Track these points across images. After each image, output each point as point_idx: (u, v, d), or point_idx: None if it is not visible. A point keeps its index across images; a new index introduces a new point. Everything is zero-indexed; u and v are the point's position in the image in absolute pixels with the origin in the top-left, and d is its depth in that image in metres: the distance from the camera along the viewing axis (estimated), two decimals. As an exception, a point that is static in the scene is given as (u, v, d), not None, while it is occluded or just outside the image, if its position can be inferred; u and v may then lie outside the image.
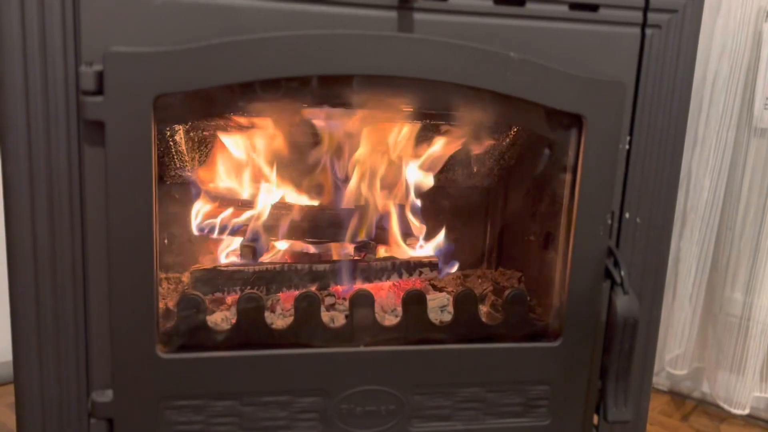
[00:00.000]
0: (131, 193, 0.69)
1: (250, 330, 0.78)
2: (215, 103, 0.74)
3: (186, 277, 1.03)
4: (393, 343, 0.81)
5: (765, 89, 1.19)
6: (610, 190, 0.80)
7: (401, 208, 1.04)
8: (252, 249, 1.02)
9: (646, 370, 0.88)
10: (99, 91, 0.67)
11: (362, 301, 0.83)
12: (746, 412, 1.27)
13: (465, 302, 0.85)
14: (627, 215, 0.83)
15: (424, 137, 1.00)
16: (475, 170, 1.12)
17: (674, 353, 1.38)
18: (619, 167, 0.82)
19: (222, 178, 0.98)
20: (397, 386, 0.80)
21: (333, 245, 1.03)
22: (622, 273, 0.80)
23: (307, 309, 0.80)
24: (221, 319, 0.88)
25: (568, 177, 0.82)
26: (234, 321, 0.80)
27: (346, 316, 0.85)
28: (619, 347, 0.79)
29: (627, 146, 0.82)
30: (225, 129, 0.94)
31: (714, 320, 1.32)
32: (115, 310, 0.72)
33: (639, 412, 0.89)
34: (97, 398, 0.74)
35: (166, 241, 0.90)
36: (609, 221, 0.82)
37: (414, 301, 0.84)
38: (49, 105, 0.68)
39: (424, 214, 1.06)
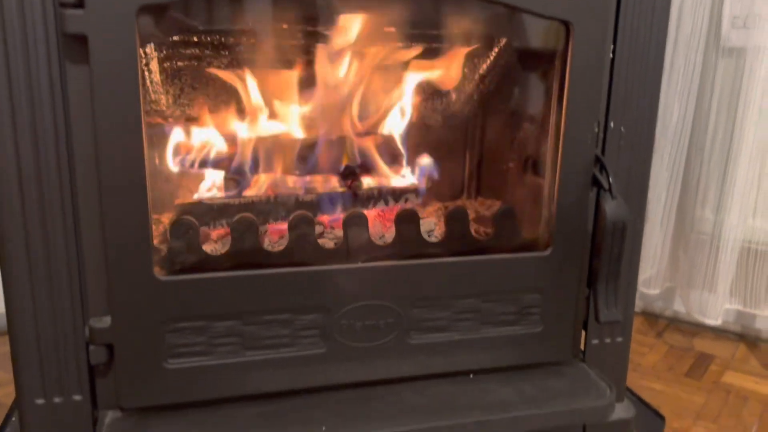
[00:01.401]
0: (120, 110, 0.67)
1: (247, 251, 0.78)
2: (198, 16, 0.72)
3: (166, 218, 1.01)
4: (389, 260, 0.82)
5: (732, 8, 1.21)
6: (597, 98, 0.82)
7: (383, 137, 1.04)
8: (236, 182, 1.01)
9: (632, 277, 0.91)
10: (80, 4, 0.65)
11: (356, 221, 0.83)
12: (719, 322, 1.33)
13: (457, 218, 0.86)
14: (612, 124, 0.85)
15: (406, 62, 0.99)
16: (453, 98, 1.12)
17: (647, 274, 1.43)
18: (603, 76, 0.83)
19: (201, 110, 0.96)
20: (395, 300, 0.81)
21: (318, 176, 1.03)
22: (610, 179, 0.82)
23: (301, 229, 0.80)
24: (210, 251, 0.87)
25: (555, 87, 0.83)
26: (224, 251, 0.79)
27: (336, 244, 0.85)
28: (609, 251, 0.81)
29: (611, 54, 0.83)
30: (203, 56, 0.91)
31: (686, 240, 1.37)
32: (108, 234, 0.70)
33: (625, 317, 0.92)
34: (96, 324, 0.73)
35: (157, 161, 0.88)
36: (596, 130, 0.83)
37: (407, 220, 0.85)
38: (26, 20, 0.65)
39: (404, 144, 1.06)
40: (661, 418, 1.09)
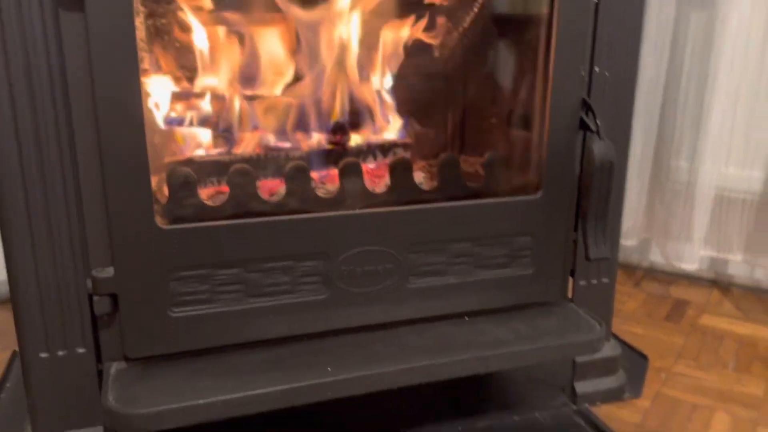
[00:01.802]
0: (116, 58, 0.67)
1: (247, 200, 0.78)
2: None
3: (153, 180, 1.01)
4: (386, 206, 0.84)
5: (704, -40, 1.24)
6: (585, 43, 0.84)
7: (370, 93, 1.05)
8: (225, 140, 1.01)
9: (616, 219, 0.95)
10: (72, -53, 0.64)
11: (351, 169, 0.84)
12: (695, 267, 1.38)
13: (449, 166, 0.88)
14: (597, 69, 0.87)
15: (394, 17, 1.00)
16: (437, 55, 1.13)
17: (624, 226, 1.47)
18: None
19: (186, 67, 0.96)
20: (394, 246, 0.83)
21: (307, 132, 1.03)
22: (597, 121, 0.84)
23: (299, 177, 0.81)
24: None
25: (543, 32, 0.85)
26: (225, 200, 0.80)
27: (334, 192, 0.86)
28: (597, 190, 0.84)
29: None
30: (188, 14, 0.91)
31: (662, 190, 1.41)
32: (108, 183, 0.70)
33: (611, 259, 0.95)
34: (99, 275, 0.73)
35: (156, 104, 0.88)
36: (582, 74, 0.85)
37: (401, 168, 0.86)
38: (17, -35, 0.64)
39: (391, 100, 1.07)
40: (644, 357, 1.14)
